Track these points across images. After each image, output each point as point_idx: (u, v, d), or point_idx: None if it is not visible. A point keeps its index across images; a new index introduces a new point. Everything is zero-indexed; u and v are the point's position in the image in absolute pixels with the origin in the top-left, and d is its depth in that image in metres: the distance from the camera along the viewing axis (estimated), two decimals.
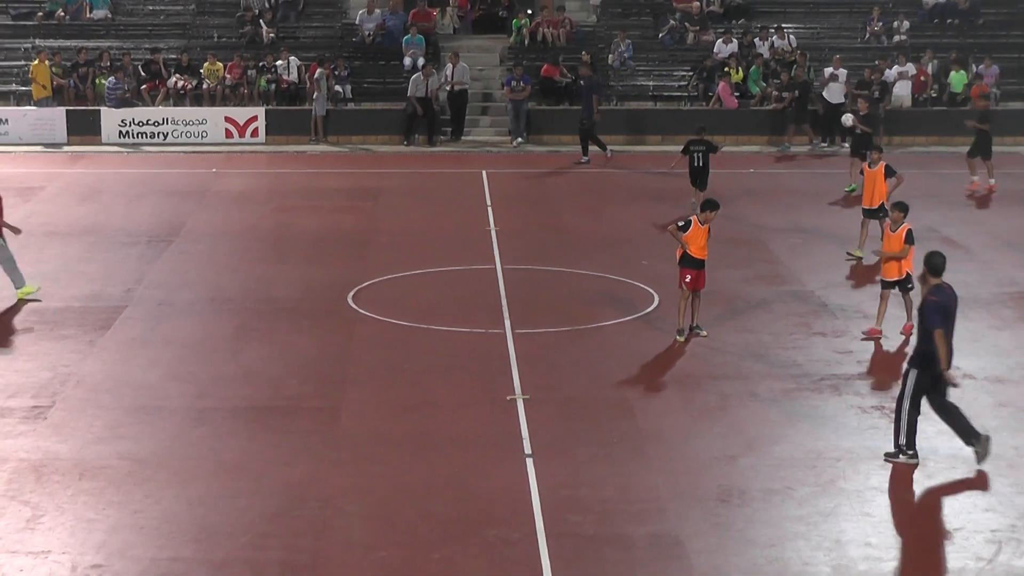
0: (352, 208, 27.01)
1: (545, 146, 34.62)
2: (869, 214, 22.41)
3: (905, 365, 14.16)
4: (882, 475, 13.75)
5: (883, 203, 21.71)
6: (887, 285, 18.34)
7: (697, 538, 12.30)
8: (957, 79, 36.14)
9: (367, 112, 35.88)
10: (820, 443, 14.64)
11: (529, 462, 13.96)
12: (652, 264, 21.89)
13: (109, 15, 38.97)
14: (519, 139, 34.60)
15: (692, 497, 13.20)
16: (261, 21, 37.92)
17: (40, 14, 38.57)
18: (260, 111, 35.11)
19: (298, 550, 12.02)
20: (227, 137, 34.82)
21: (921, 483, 13.55)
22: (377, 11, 38.06)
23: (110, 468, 13.77)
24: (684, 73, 36.72)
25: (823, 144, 34.83)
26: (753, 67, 35.80)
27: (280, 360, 17.42)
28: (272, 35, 37.74)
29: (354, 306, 19.78)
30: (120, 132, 34.63)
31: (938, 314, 13.51)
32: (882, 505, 13.04)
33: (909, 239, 17.94)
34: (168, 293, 20.51)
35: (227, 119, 34.91)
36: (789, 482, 13.56)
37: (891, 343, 18.14)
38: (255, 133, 34.90)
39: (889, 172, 22.13)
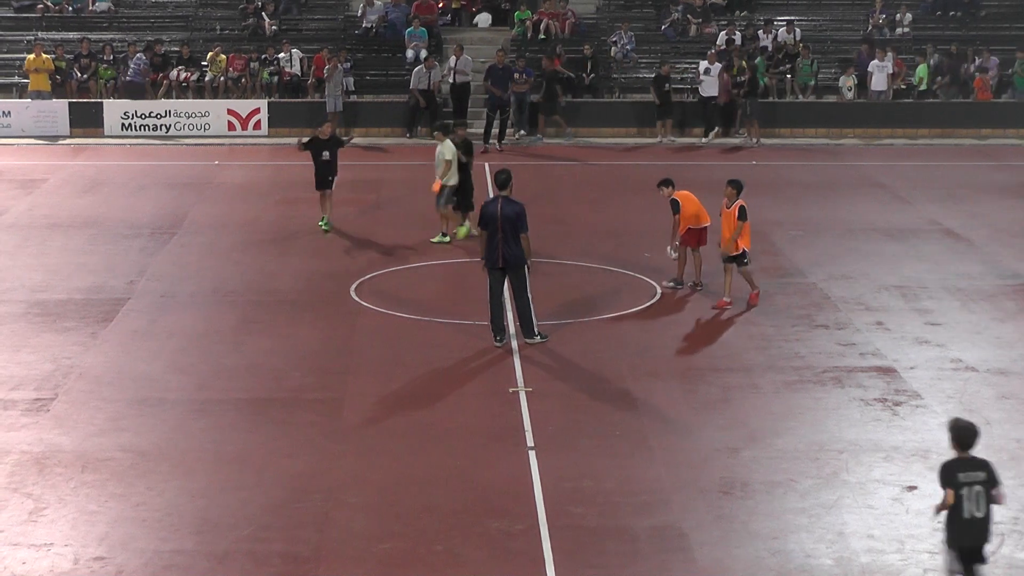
0: (354, 200, 26.97)
1: (547, 138, 34.55)
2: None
3: None
4: (885, 468, 13.76)
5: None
6: (728, 260, 19.30)
7: (700, 530, 12.30)
8: (920, 71, 36.03)
9: (370, 104, 35.82)
10: (823, 435, 14.64)
11: (532, 454, 13.96)
12: (655, 256, 21.85)
13: (112, 7, 38.95)
14: (521, 131, 34.53)
15: (694, 489, 13.20)
16: (263, 13, 37.89)
17: (41, 6, 38.53)
18: (263, 103, 35.05)
19: (300, 542, 12.03)
20: (229, 129, 34.78)
21: (923, 475, 13.54)
22: (379, 3, 38.01)
23: (112, 460, 13.78)
24: (687, 65, 36.65)
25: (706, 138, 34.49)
26: (759, 59, 35.63)
27: (282, 352, 17.43)
28: (274, 27, 37.71)
29: (356, 298, 19.78)
30: (122, 124, 34.56)
31: (482, 219, 17.58)
32: (885, 497, 13.04)
33: (742, 215, 18.91)
34: (170, 285, 20.51)
35: (229, 111, 34.84)
36: (792, 474, 13.56)
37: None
38: (257, 125, 34.84)
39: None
